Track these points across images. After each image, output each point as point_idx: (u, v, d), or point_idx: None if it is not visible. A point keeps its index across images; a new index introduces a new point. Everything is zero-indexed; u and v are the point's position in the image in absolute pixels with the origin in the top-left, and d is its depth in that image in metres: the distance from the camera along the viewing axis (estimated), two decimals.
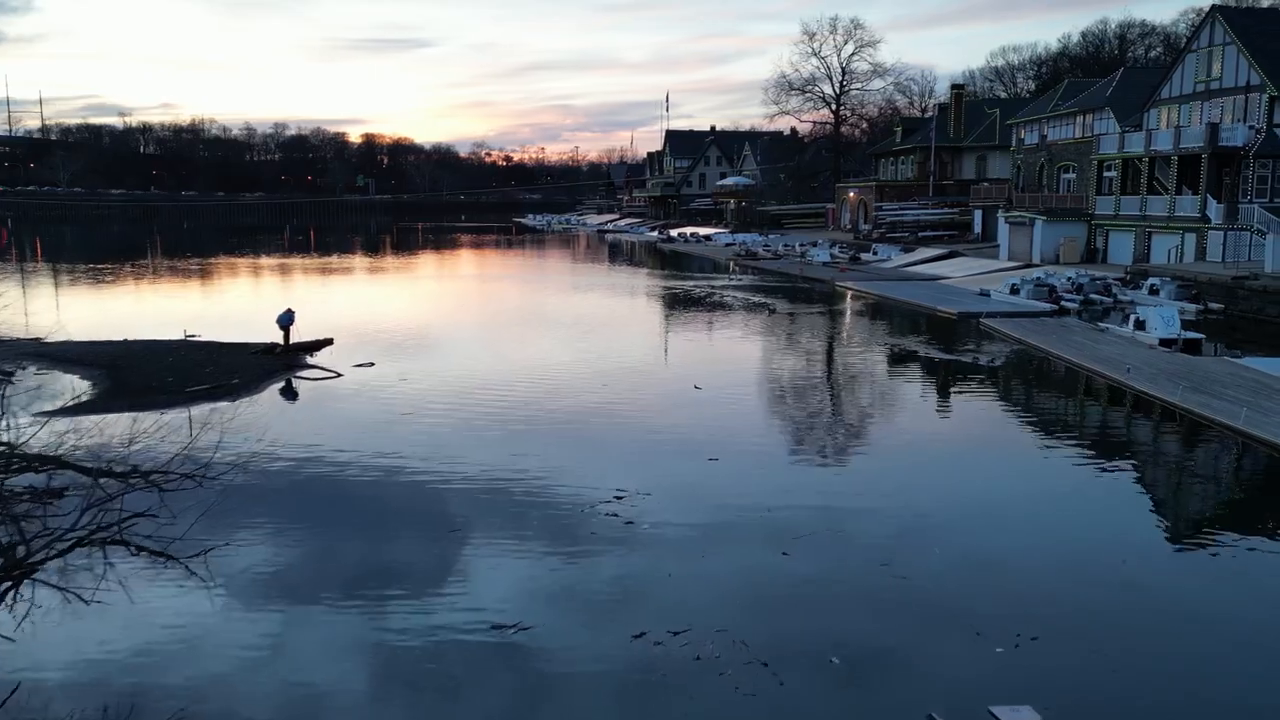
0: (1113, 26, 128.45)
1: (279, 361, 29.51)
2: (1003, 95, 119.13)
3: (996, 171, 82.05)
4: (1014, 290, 44.98)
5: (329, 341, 33.07)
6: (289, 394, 26.02)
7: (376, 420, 22.74)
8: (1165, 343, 31.70)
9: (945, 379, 29.63)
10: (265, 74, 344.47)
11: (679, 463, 19.28)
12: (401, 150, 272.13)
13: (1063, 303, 42.74)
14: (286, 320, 30.56)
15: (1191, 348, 31.35)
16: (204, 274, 68.01)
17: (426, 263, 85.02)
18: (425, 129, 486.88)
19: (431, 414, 23.37)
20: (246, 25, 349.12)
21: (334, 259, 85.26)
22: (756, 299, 49.57)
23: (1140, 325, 33.75)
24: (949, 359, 32.40)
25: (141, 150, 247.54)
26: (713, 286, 56.19)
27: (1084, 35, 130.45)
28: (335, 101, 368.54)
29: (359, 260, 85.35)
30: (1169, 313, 33.60)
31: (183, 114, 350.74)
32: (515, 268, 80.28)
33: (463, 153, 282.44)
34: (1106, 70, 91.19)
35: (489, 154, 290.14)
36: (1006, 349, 33.18)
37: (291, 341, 30.96)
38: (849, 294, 51.89)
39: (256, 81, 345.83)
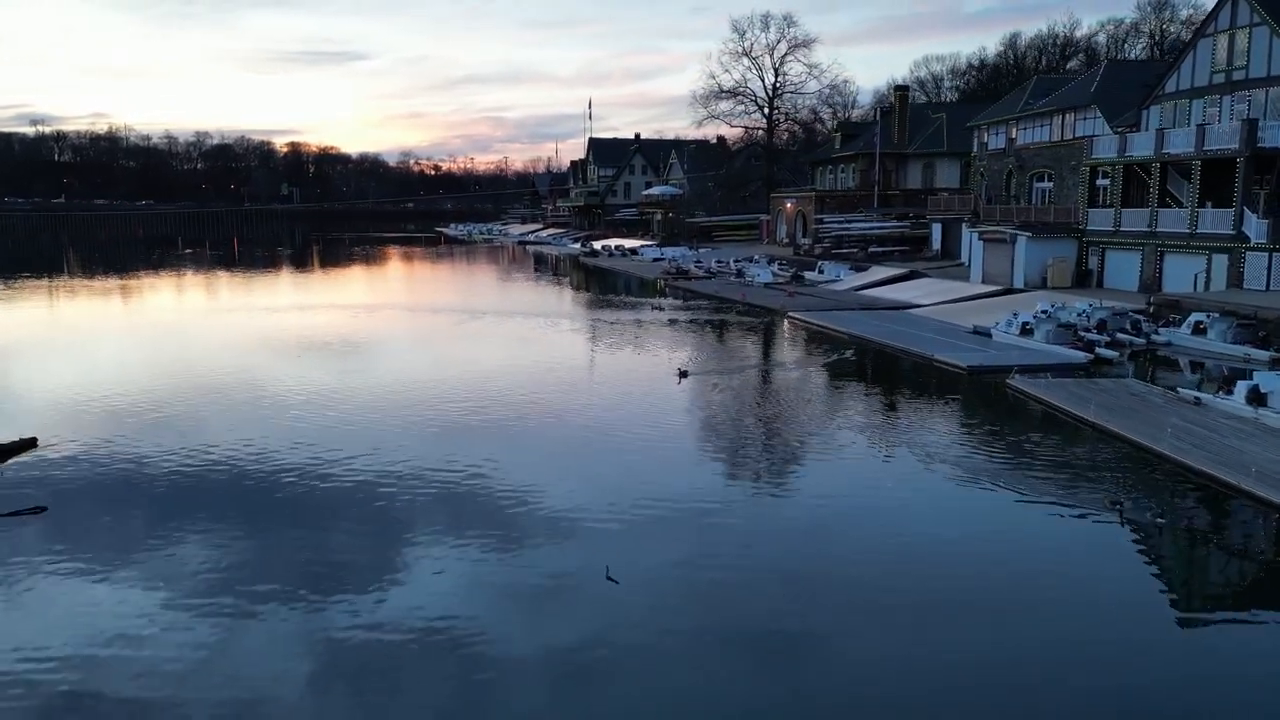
0: (1024, 42, 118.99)
1: None
2: (923, 102, 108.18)
3: (945, 180, 70.49)
4: (1025, 330, 32.63)
5: (29, 444, 19.22)
6: None
7: None
8: None
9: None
10: (202, 86, 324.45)
11: None
12: (329, 159, 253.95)
13: (1097, 350, 30.52)
14: None
15: None
16: (34, 301, 52.84)
17: (314, 282, 70.49)
18: (360, 140, 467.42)
19: None
20: (182, 38, 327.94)
21: (202, 276, 70.30)
22: (688, 345, 36.63)
23: (1259, 399, 21.48)
24: (1063, 502, 16.26)
25: (56, 158, 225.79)
26: (640, 320, 43.00)
27: (1008, 46, 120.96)
28: (270, 113, 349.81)
29: (231, 279, 70.44)
30: None
31: (115, 124, 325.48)
32: (411, 290, 66.00)
33: (392, 162, 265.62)
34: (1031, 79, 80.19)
35: (417, 163, 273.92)
36: (1095, 449, 19.83)
37: None
38: (806, 330, 39.20)
39: (192, 94, 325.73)
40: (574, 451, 19.99)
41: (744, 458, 19.85)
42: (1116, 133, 44.54)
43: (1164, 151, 40.40)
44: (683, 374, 28.12)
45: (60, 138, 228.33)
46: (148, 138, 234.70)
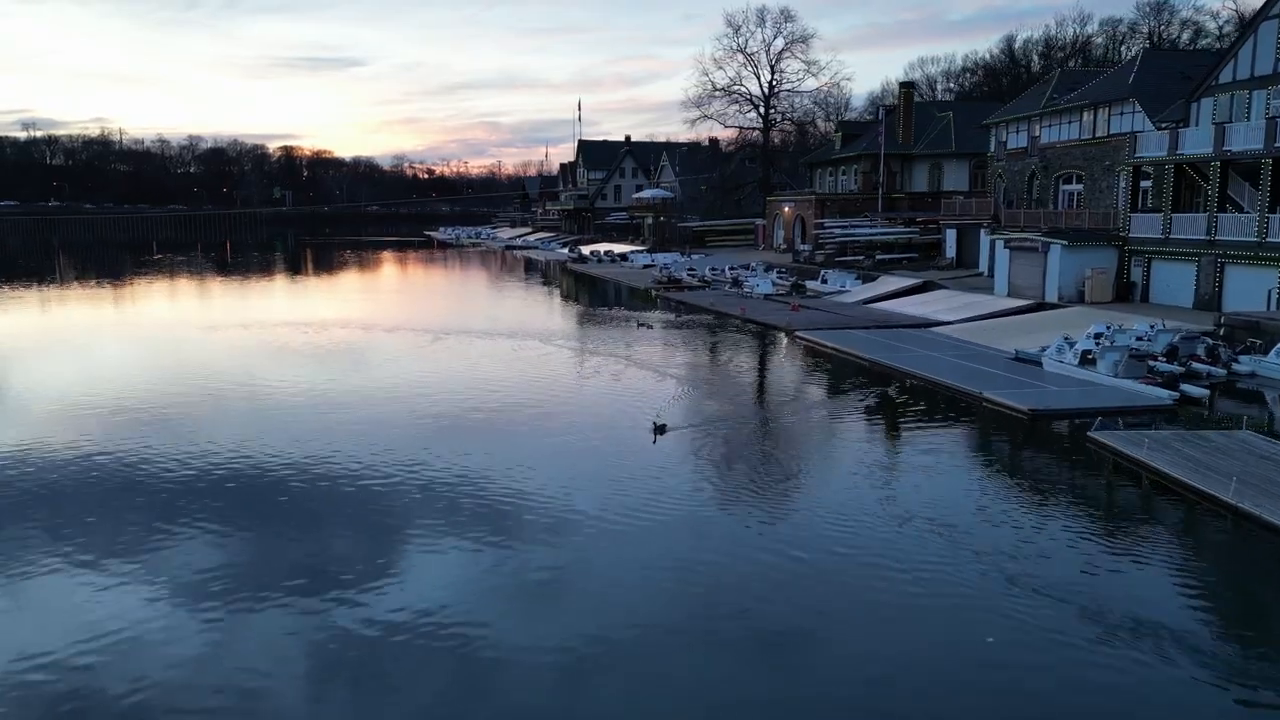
0: (1020, 43, 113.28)
1: None
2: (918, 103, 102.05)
3: (953, 182, 64.47)
4: (1087, 359, 26.47)
5: None
6: None
7: None
8: None
9: None
10: (202, 92, 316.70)
11: None
12: (321, 163, 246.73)
13: (1182, 386, 24.34)
14: None
15: None
16: None
17: (281, 291, 64.10)
18: (357, 145, 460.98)
19: None
20: (182, 44, 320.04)
21: (169, 283, 63.87)
22: (674, 379, 30.40)
23: None
24: None
25: (48, 161, 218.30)
26: (626, 341, 36.69)
27: (1004, 49, 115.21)
28: (269, 119, 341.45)
29: (198, 285, 64.05)
30: None
31: (108, 128, 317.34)
32: (377, 302, 59.64)
33: (386, 166, 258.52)
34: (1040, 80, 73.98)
35: (410, 167, 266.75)
36: (1266, 561, 13.99)
37: None
38: (818, 355, 33.01)
39: (192, 99, 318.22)
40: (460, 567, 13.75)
41: (742, 583, 13.61)
42: (1162, 129, 38.47)
43: (1225, 149, 34.28)
44: (659, 429, 20.65)
45: (52, 141, 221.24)
46: (140, 141, 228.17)
